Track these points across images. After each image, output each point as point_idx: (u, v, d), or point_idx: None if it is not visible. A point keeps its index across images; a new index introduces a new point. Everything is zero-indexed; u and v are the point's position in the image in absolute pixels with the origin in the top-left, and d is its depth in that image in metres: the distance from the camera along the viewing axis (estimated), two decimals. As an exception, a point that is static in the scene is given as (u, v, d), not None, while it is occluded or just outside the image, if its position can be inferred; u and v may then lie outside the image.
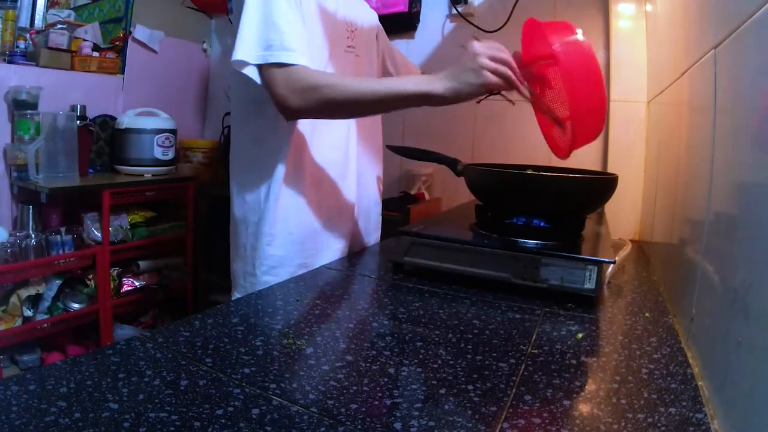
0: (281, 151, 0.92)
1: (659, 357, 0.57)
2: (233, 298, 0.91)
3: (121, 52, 2.07)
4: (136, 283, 1.91)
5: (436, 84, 0.76)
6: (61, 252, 1.69)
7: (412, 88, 0.77)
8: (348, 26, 1.00)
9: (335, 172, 1.00)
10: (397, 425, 0.42)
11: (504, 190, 0.89)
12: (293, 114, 0.82)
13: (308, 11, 0.88)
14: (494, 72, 0.75)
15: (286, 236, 0.94)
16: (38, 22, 1.93)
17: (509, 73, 0.75)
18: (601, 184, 0.88)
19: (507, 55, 0.76)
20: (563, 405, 0.46)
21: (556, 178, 0.88)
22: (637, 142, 1.36)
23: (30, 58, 1.80)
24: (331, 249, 1.00)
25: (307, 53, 0.81)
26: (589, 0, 1.51)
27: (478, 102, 0.81)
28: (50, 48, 1.81)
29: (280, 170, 0.92)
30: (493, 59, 0.75)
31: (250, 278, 0.94)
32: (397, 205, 1.65)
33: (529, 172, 0.92)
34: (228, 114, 2.20)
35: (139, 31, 2.12)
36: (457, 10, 1.72)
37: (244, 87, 0.89)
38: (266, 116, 0.90)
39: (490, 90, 0.76)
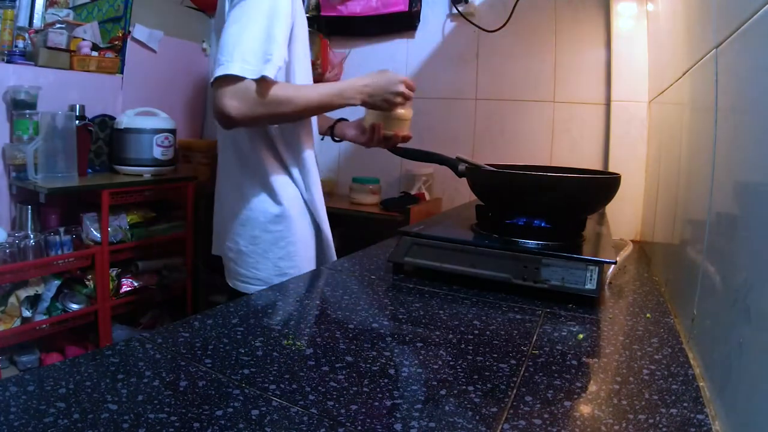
0: (308, 148, 1.00)
1: (660, 358, 0.57)
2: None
3: (120, 51, 2.06)
4: (135, 284, 1.90)
5: (356, 99, 0.92)
6: (59, 252, 1.68)
7: (338, 102, 0.91)
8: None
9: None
10: (398, 426, 0.42)
11: (508, 191, 0.88)
12: (235, 123, 0.84)
13: (298, 18, 0.92)
14: (404, 100, 0.95)
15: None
16: (37, 22, 1.92)
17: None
18: (607, 183, 0.88)
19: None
20: (564, 406, 0.46)
21: (562, 179, 0.87)
22: (639, 142, 1.36)
23: (29, 57, 1.80)
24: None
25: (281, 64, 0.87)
26: (589, -1, 1.52)
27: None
28: (49, 47, 1.80)
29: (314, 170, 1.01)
30: (409, 89, 0.95)
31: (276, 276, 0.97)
32: (398, 205, 1.65)
33: (534, 173, 0.92)
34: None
35: (138, 31, 2.12)
36: (457, 10, 1.72)
37: None
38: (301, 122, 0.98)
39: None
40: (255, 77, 0.80)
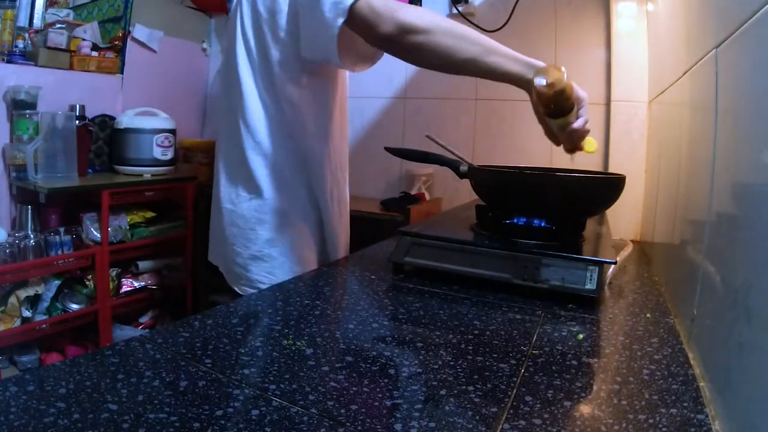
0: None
1: (660, 358, 0.57)
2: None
3: (120, 51, 2.07)
4: (136, 284, 1.91)
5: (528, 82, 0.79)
6: (60, 252, 1.68)
7: (515, 70, 0.80)
8: None
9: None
10: (398, 426, 0.42)
11: (517, 191, 0.87)
12: (382, 43, 0.78)
13: None
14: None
15: None
16: (37, 22, 1.92)
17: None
18: (613, 184, 0.87)
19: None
20: (564, 406, 0.46)
21: (575, 179, 0.86)
22: (638, 142, 1.36)
23: (29, 57, 1.80)
24: None
25: None
26: None
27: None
28: (49, 47, 1.80)
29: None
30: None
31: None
32: (398, 205, 1.65)
33: (549, 173, 0.91)
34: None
35: (138, 31, 2.12)
36: (457, 10, 1.72)
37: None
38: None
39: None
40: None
